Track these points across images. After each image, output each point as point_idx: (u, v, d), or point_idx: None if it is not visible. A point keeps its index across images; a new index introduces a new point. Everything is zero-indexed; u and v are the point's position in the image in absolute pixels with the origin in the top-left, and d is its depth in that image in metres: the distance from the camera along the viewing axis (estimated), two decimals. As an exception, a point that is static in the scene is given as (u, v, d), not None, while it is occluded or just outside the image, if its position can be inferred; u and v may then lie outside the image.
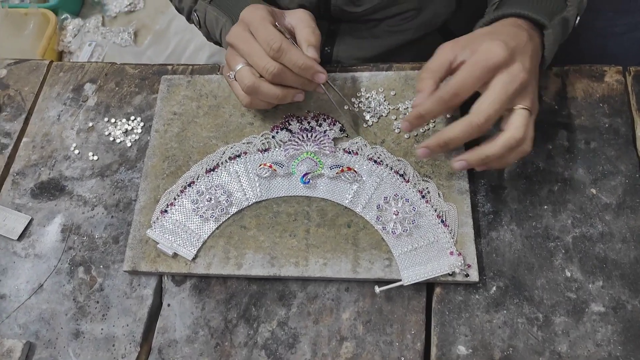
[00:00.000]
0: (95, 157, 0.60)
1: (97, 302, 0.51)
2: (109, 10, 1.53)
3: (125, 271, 0.52)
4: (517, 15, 0.49)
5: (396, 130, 0.55)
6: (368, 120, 0.56)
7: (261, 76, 0.50)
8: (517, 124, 0.44)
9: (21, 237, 0.56)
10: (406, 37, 0.69)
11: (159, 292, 0.52)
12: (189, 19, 0.66)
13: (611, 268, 0.48)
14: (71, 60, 1.44)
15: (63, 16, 1.45)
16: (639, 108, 0.55)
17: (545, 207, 0.51)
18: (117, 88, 0.64)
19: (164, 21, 1.44)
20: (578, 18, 0.54)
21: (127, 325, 0.50)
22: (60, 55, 1.43)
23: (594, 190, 0.51)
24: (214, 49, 1.40)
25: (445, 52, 0.47)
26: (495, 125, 0.45)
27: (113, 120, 0.62)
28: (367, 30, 0.69)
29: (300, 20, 0.52)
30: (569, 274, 0.48)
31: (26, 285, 0.53)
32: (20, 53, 1.28)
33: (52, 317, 0.51)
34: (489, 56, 0.44)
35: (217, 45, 0.67)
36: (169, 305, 0.51)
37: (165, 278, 0.52)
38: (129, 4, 1.54)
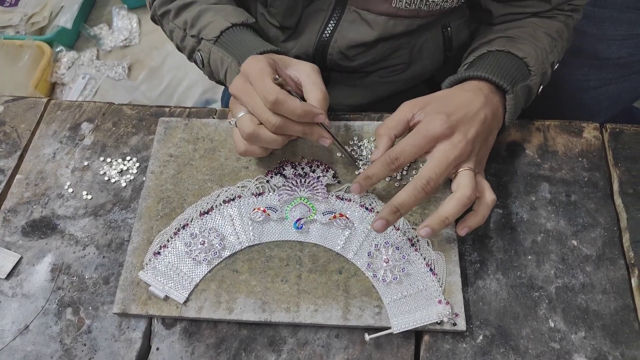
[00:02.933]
0: (89, 197, 0.60)
1: (85, 344, 0.51)
2: (104, 44, 1.56)
3: (115, 313, 0.51)
4: (481, 79, 0.53)
5: (387, 179, 0.57)
6: (360, 168, 0.58)
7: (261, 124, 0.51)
8: (464, 184, 0.48)
9: (9, 275, 0.55)
10: (396, 87, 0.72)
11: (147, 335, 0.52)
12: (190, 58, 0.66)
13: (593, 319, 0.50)
14: (63, 92, 1.46)
15: (58, 49, 1.48)
16: (615, 163, 0.58)
17: (530, 257, 0.53)
18: (114, 128, 0.66)
19: (158, 57, 1.48)
20: (541, 87, 0.59)
21: (115, 370, 0.49)
22: (53, 87, 1.45)
23: (575, 242, 0.54)
24: (207, 85, 1.43)
25: (403, 111, 0.52)
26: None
27: (109, 159, 0.63)
28: (359, 79, 0.72)
29: (308, 78, 0.53)
30: (552, 324, 0.50)
31: (11, 326, 0.52)
32: (14, 83, 1.29)
33: (37, 359, 0.50)
34: (429, 127, 0.49)
35: (220, 85, 0.69)
36: (157, 349, 0.50)
37: (155, 321, 0.52)
38: (124, 39, 1.58)
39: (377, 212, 0.55)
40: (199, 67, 0.65)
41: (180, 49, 0.67)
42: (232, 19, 0.60)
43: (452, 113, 0.49)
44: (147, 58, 1.52)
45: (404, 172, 0.57)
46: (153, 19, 0.70)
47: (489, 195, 0.49)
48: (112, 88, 1.40)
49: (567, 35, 0.62)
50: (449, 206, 0.47)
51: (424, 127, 0.49)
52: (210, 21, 0.60)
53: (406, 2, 0.58)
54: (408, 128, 0.52)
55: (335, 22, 0.64)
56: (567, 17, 0.62)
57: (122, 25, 1.58)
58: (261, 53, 0.56)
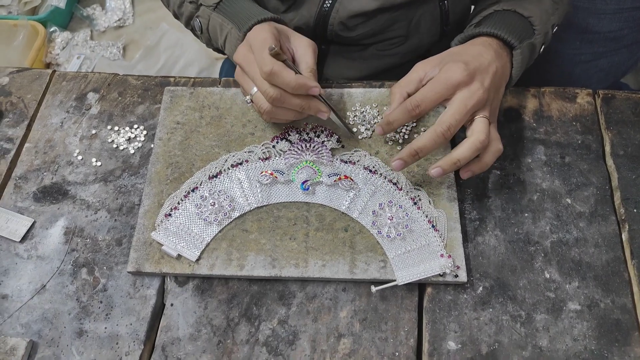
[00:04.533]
0: (99, 163, 0.61)
1: (101, 302, 0.53)
2: (97, 24, 1.55)
3: (129, 272, 0.53)
4: (490, 35, 0.56)
5: (389, 143, 0.59)
6: (363, 133, 0.60)
7: None
8: (479, 129, 0.50)
9: (24, 239, 0.56)
10: (393, 61, 0.74)
11: (161, 293, 0.54)
12: (187, 24, 0.66)
13: (585, 270, 0.52)
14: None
15: (52, 29, 1.47)
16: (607, 127, 0.61)
17: (526, 214, 0.56)
18: (120, 98, 0.67)
19: (154, 37, 1.47)
20: (543, 47, 0.61)
21: (131, 324, 0.51)
22: (48, 67, 1.44)
23: (569, 200, 0.56)
24: (204, 64, 1.43)
25: (416, 71, 0.55)
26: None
27: (116, 128, 0.64)
28: (357, 52, 0.73)
29: (302, 56, 0.55)
30: (548, 276, 0.52)
31: (28, 285, 0.54)
32: (8, 63, 1.28)
33: (55, 316, 0.52)
34: (449, 75, 0.51)
35: (218, 52, 0.69)
36: (172, 304, 0.53)
37: (168, 279, 0.54)
38: (118, 20, 1.57)
39: (381, 174, 0.57)
40: (195, 34, 0.65)
41: (177, 15, 0.67)
42: None
43: (469, 62, 0.51)
44: (142, 38, 1.52)
45: (406, 136, 0.59)
46: None
47: (496, 144, 0.52)
48: (108, 67, 1.39)
49: None
50: (462, 149, 0.50)
51: (444, 75, 0.51)
52: None
53: None
54: (421, 86, 0.54)
55: None
56: None
57: (116, 5, 1.57)
58: (261, 20, 0.57)
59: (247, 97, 0.56)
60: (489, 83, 0.52)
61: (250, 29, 0.56)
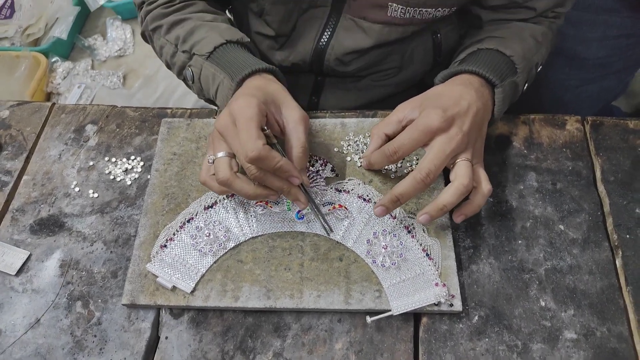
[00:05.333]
0: (96, 195, 0.62)
1: (95, 336, 0.52)
2: (98, 54, 1.58)
3: (123, 304, 0.53)
4: (472, 72, 0.57)
5: (383, 171, 0.60)
6: (357, 162, 0.61)
7: (237, 171, 0.51)
8: (461, 173, 0.51)
9: (19, 272, 0.57)
10: (387, 90, 0.75)
11: (156, 326, 0.53)
12: (179, 74, 0.65)
13: (580, 298, 0.52)
14: (59, 101, 1.47)
15: (53, 59, 1.50)
16: (597, 153, 0.62)
17: (520, 242, 0.56)
18: (117, 129, 0.68)
19: (153, 66, 1.50)
20: (527, 85, 0.62)
21: (125, 359, 0.51)
22: (49, 97, 1.46)
23: (562, 227, 0.57)
24: (202, 93, 1.46)
25: (395, 113, 0.56)
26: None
27: (113, 159, 0.65)
28: (352, 83, 0.75)
29: (293, 130, 0.52)
30: (543, 304, 0.52)
31: (23, 320, 0.54)
32: (10, 94, 1.31)
33: (49, 351, 0.52)
34: (426, 122, 0.51)
35: (209, 103, 0.70)
36: (166, 338, 0.52)
37: (163, 311, 0.54)
38: (119, 49, 1.60)
39: (375, 202, 0.57)
40: (187, 84, 0.64)
41: (169, 65, 0.66)
42: (227, 36, 0.59)
43: (448, 108, 0.52)
44: (141, 67, 1.54)
45: (399, 165, 0.60)
46: (143, 34, 0.70)
47: (485, 185, 0.52)
48: (108, 96, 1.42)
49: (550, 37, 0.66)
50: (447, 195, 0.50)
51: (421, 121, 0.51)
52: (204, 37, 0.60)
53: (401, 12, 0.61)
54: (401, 127, 0.55)
55: (331, 30, 0.66)
56: (551, 22, 0.66)
57: (117, 35, 1.60)
58: (255, 71, 0.56)
59: (211, 156, 0.52)
60: (469, 126, 0.52)
61: (243, 79, 0.55)
